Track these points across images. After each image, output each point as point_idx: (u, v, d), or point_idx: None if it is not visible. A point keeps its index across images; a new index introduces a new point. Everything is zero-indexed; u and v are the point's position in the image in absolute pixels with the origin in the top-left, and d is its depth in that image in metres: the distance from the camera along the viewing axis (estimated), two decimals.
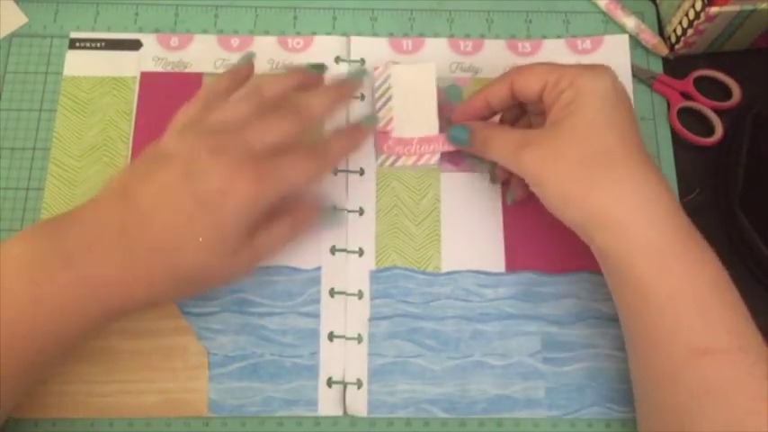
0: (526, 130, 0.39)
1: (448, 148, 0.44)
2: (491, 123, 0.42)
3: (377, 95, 0.45)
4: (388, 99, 0.45)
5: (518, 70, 0.39)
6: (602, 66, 0.38)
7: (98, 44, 0.46)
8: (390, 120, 0.45)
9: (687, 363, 0.33)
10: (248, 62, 0.41)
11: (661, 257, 0.34)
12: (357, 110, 0.45)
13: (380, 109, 0.45)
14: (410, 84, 0.45)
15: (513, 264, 0.43)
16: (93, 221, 0.34)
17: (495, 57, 0.47)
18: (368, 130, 0.43)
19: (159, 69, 0.46)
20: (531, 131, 0.38)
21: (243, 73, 0.41)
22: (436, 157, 0.44)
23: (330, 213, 0.40)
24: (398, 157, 0.44)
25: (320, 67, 0.42)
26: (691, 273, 0.34)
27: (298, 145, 0.37)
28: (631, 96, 0.45)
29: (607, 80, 0.37)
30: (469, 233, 0.43)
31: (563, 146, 0.36)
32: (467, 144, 0.41)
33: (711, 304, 0.33)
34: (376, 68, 0.46)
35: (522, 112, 0.43)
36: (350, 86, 0.41)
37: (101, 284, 0.33)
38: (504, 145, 0.38)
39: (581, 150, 0.35)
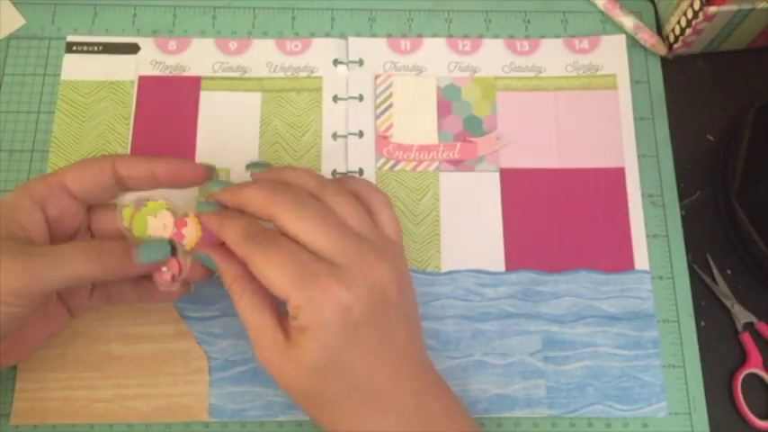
0: (280, 320, 0.34)
1: (447, 158, 0.44)
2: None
3: (378, 101, 0.45)
4: (389, 106, 0.45)
5: (258, 260, 0.33)
6: (332, 294, 0.32)
7: (96, 48, 0.46)
8: (390, 126, 0.45)
9: None
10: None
11: None
12: (357, 111, 0.45)
13: (381, 114, 0.45)
14: (411, 93, 0.46)
15: (512, 263, 0.43)
16: None
17: (493, 56, 0.47)
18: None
19: (157, 73, 0.46)
20: (280, 330, 0.33)
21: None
22: (435, 164, 0.44)
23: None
24: (398, 162, 0.44)
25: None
26: None
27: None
28: (629, 96, 0.46)
29: (331, 316, 0.32)
30: (469, 233, 0.43)
31: (297, 368, 0.33)
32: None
33: None
34: (377, 76, 0.46)
35: None
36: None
37: None
38: (250, 311, 0.34)
39: (311, 389, 0.33)
